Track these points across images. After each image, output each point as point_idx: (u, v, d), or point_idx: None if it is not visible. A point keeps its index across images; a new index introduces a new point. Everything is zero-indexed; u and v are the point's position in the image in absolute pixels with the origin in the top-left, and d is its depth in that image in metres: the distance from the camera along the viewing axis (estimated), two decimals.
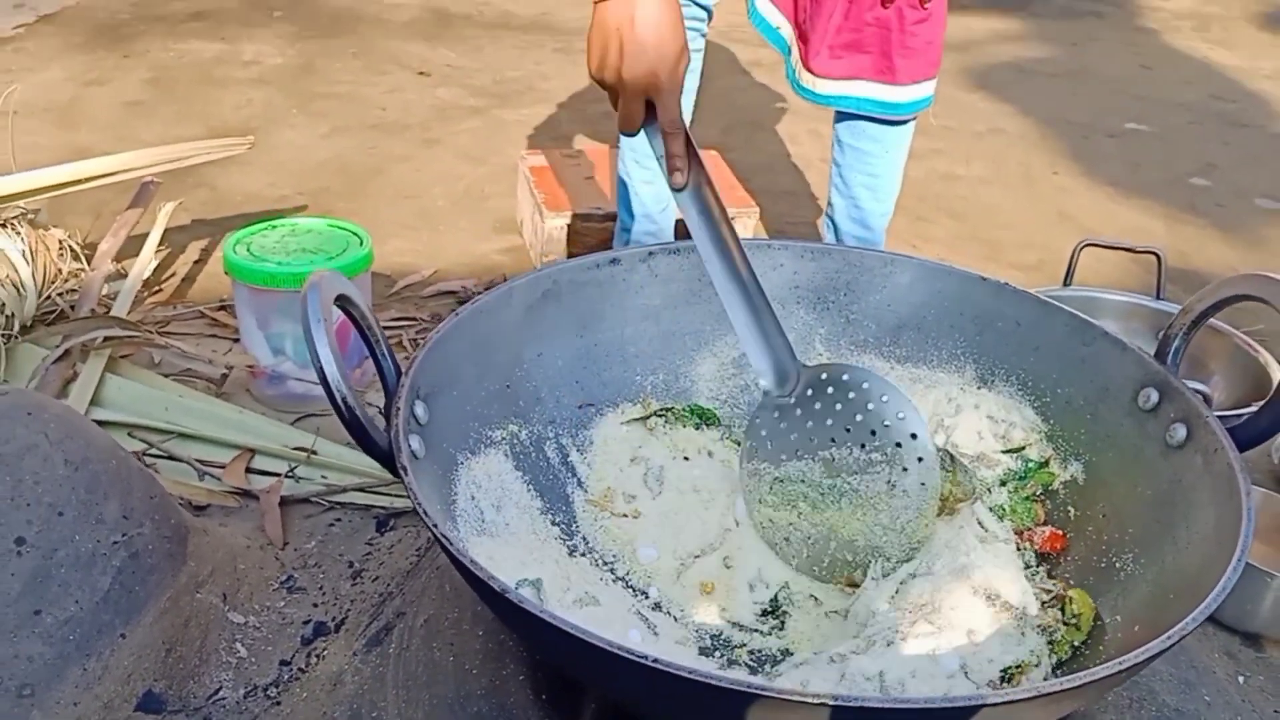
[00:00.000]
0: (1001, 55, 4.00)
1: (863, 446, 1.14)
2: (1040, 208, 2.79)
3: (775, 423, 1.19)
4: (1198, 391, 1.45)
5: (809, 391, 1.18)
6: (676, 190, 1.15)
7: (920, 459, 1.12)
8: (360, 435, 0.93)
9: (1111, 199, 2.86)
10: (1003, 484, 1.21)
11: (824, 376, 1.17)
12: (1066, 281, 1.83)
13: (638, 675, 0.76)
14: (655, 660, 0.75)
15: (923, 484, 1.12)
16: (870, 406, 1.14)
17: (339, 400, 0.91)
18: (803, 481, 1.16)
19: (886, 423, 1.13)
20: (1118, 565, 1.05)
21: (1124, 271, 2.36)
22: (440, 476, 1.05)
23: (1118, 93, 3.69)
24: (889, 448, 1.13)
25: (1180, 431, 1.06)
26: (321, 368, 0.90)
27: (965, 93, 3.59)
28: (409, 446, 0.96)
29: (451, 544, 0.86)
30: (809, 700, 0.73)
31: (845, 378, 1.16)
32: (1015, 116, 3.41)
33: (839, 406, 1.16)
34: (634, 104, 1.10)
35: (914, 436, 1.12)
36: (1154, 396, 1.11)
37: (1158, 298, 1.80)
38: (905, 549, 1.12)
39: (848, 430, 1.15)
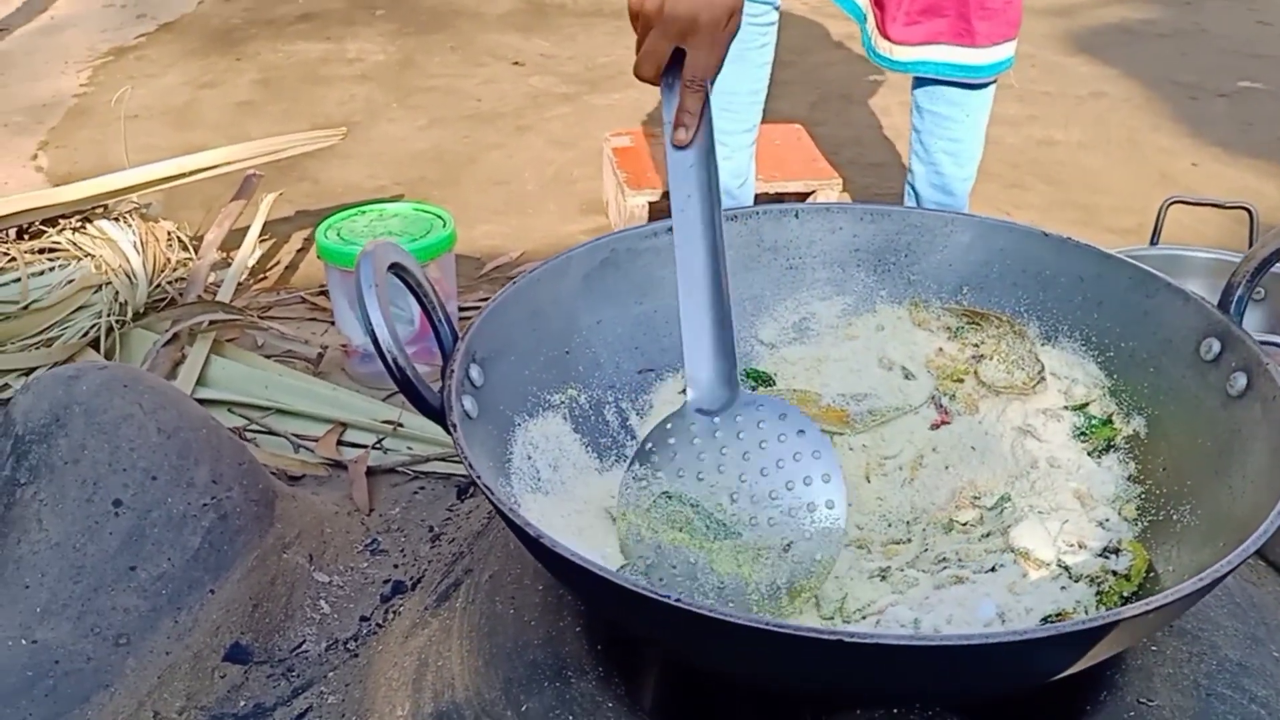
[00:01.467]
0: (1107, 17, 3.88)
1: (771, 495, 1.05)
2: (1141, 171, 2.71)
3: (689, 435, 1.10)
4: (1279, 345, 1.41)
5: (738, 418, 1.09)
6: (677, 148, 1.10)
7: (826, 530, 1.04)
8: (411, 393, 0.97)
9: (1219, 160, 2.76)
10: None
11: (761, 408, 1.09)
12: (1154, 240, 1.78)
13: (655, 614, 0.79)
14: (678, 600, 0.78)
15: (818, 558, 1.03)
16: (797, 457, 1.06)
17: (390, 360, 0.95)
18: (693, 507, 1.06)
19: (807, 479, 1.05)
20: (1174, 518, 1.03)
21: (1228, 233, 2.29)
22: (495, 436, 1.09)
23: (1231, 51, 3.54)
24: (800, 508, 1.05)
25: (1241, 380, 1.03)
26: (373, 330, 0.95)
27: (1066, 57, 3.50)
28: (461, 406, 1.01)
29: (494, 493, 0.90)
30: (827, 637, 0.75)
31: (781, 416, 1.08)
32: (1119, 79, 3.30)
33: (764, 445, 1.07)
34: (663, 44, 1.05)
35: (829, 506, 1.05)
36: (1216, 346, 1.08)
37: None
38: (771, 607, 1.02)
39: (763, 473, 1.07)
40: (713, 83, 1.10)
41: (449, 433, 0.98)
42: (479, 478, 0.92)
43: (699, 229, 1.11)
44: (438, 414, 0.99)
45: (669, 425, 1.11)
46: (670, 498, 1.08)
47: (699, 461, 1.09)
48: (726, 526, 1.06)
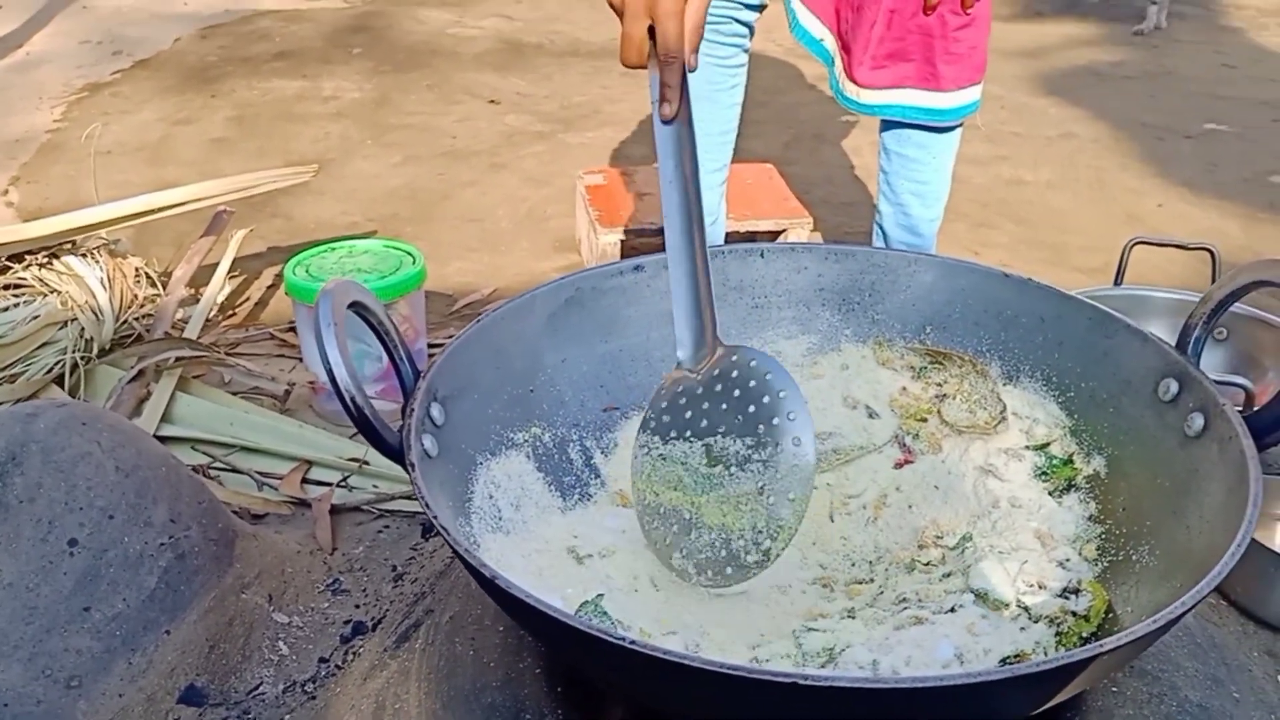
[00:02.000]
0: (1076, 60, 3.94)
1: (745, 441, 1.09)
2: (1109, 211, 2.74)
3: (676, 397, 1.14)
4: (1239, 386, 1.42)
5: (716, 372, 1.13)
6: (664, 122, 1.14)
7: (795, 466, 1.06)
8: (369, 433, 0.97)
9: (1185, 200, 2.79)
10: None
11: (734, 359, 1.12)
12: (1117, 280, 1.79)
13: (611, 657, 0.78)
14: (632, 642, 0.77)
15: (791, 497, 1.05)
16: (765, 400, 1.09)
17: (348, 400, 0.95)
18: (682, 464, 1.11)
19: (775, 420, 1.07)
20: (1134, 557, 1.03)
21: (1193, 272, 2.30)
22: (457, 475, 1.08)
23: (1197, 93, 3.60)
24: (769, 448, 1.08)
25: (1198, 421, 1.04)
26: (331, 369, 0.95)
27: (1036, 99, 3.55)
28: (420, 445, 1.00)
29: (450, 533, 0.89)
30: (783, 680, 0.74)
31: (752, 363, 1.11)
32: (1088, 121, 3.35)
33: (737, 393, 1.10)
34: (635, 26, 1.09)
35: (796, 443, 1.06)
36: (1174, 387, 1.09)
37: None
38: (758, 557, 1.05)
39: (738, 419, 1.10)
40: (694, 52, 1.13)
41: (407, 472, 0.98)
42: (435, 517, 0.91)
43: (680, 200, 1.15)
44: (397, 453, 0.99)
45: (663, 391, 1.16)
46: (665, 459, 1.13)
47: (685, 421, 1.14)
48: (710, 479, 1.10)
